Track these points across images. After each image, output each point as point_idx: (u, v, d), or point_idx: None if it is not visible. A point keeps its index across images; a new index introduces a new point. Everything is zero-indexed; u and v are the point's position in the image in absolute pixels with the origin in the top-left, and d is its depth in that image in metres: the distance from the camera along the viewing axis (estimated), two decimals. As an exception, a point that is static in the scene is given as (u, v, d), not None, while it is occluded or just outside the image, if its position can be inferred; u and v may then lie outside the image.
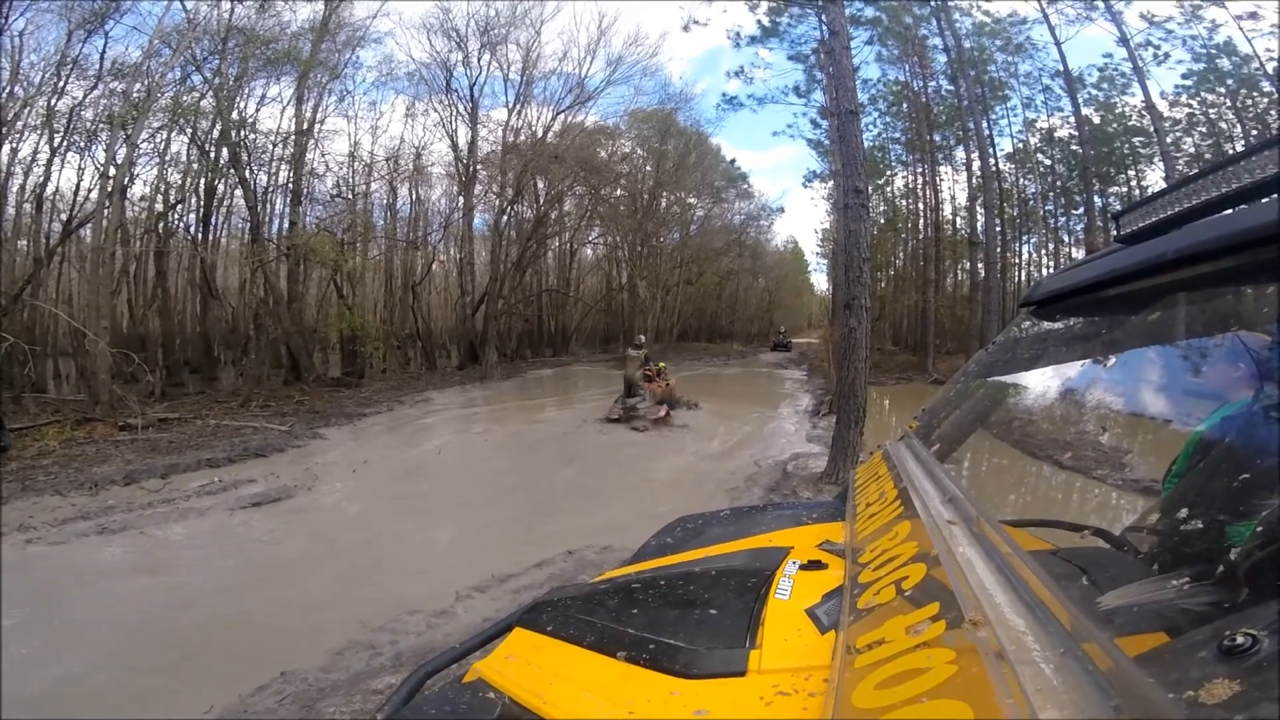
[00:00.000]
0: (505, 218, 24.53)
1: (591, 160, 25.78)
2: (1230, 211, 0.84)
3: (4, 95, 13.74)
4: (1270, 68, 18.38)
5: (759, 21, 23.36)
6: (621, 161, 28.96)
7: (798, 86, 24.86)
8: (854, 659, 0.71)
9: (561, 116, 25.29)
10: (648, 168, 30.67)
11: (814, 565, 1.11)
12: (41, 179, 15.58)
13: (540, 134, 24.66)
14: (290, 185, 18.50)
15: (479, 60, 23.12)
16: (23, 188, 15.53)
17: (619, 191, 29.59)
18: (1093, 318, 1.33)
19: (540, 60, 24.47)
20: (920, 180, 26.61)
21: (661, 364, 13.91)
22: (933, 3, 22.38)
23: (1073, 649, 0.51)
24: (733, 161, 37.11)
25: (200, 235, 18.43)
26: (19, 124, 14.41)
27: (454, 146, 23.67)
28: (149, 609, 4.37)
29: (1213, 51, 19.37)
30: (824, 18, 8.43)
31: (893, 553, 0.92)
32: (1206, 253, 0.83)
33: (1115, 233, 1.13)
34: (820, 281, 45.90)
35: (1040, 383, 1.53)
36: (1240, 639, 0.40)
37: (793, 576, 1.07)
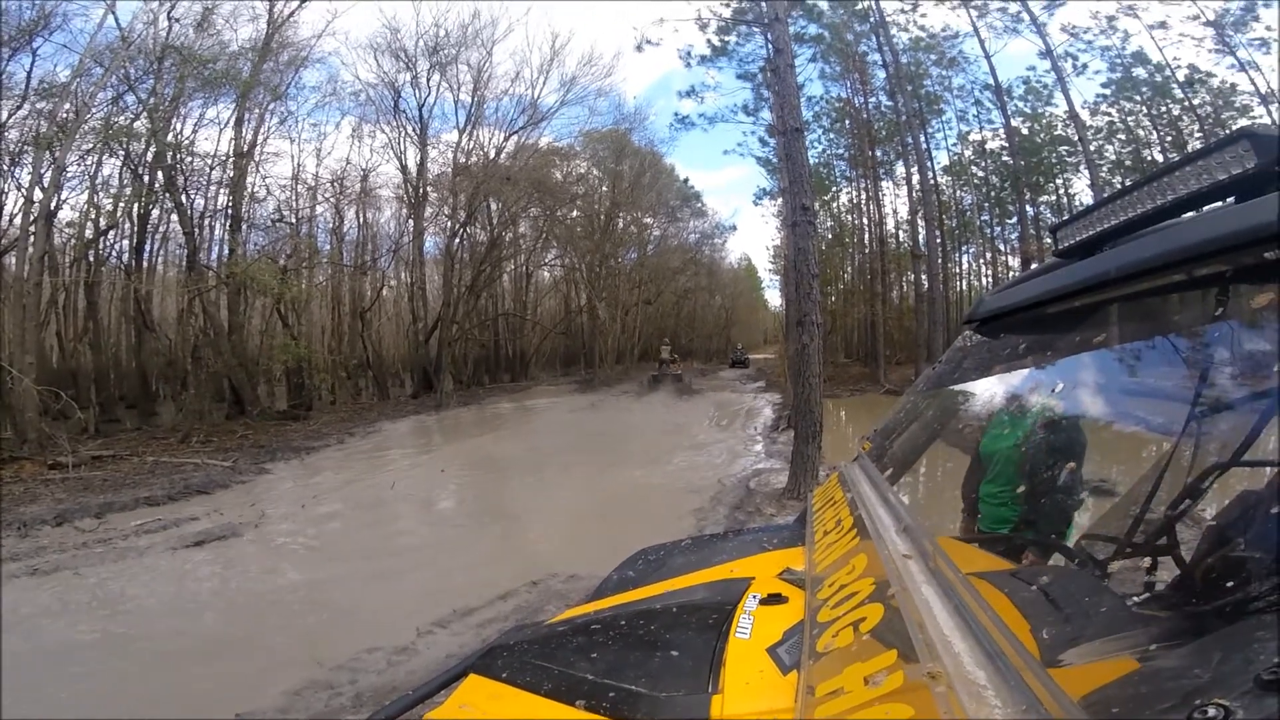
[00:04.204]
0: (458, 241, 24.24)
1: (546, 181, 25.74)
2: (1166, 225, 0.86)
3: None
4: (1180, 75, 19.76)
5: (709, 41, 23.94)
6: (577, 182, 29.04)
7: (746, 105, 25.48)
8: (814, 706, 0.69)
9: (514, 138, 25.29)
10: (604, 188, 30.83)
11: (774, 599, 1.09)
12: (-41, 204, 14.71)
13: (492, 155, 24.57)
14: (229, 210, 17.90)
15: (428, 81, 22.98)
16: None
17: (575, 213, 29.62)
18: (1035, 334, 1.36)
19: (492, 81, 24.47)
20: (864, 195, 27.51)
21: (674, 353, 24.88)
22: (872, 19, 23.35)
23: (1034, 704, 0.49)
24: (686, 181, 37.63)
25: (134, 263, 17.61)
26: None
27: (403, 169, 23.37)
28: (87, 652, 4.20)
29: (1127, 61, 20.72)
30: (769, 36, 8.67)
31: (851, 588, 0.91)
32: (1145, 270, 0.85)
33: (1053, 246, 1.16)
34: (774, 298, 46.75)
35: (987, 399, 1.56)
36: (1212, 711, 0.39)
37: (753, 613, 1.05)
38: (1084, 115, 21.39)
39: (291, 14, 17.97)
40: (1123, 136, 21.58)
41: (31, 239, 12.57)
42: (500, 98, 25.18)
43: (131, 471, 10.18)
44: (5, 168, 14.96)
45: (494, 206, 25.40)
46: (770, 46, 8.62)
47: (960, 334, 1.63)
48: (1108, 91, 21.25)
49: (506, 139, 25.09)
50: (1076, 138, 21.32)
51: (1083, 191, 21.73)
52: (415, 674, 3.72)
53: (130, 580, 5.57)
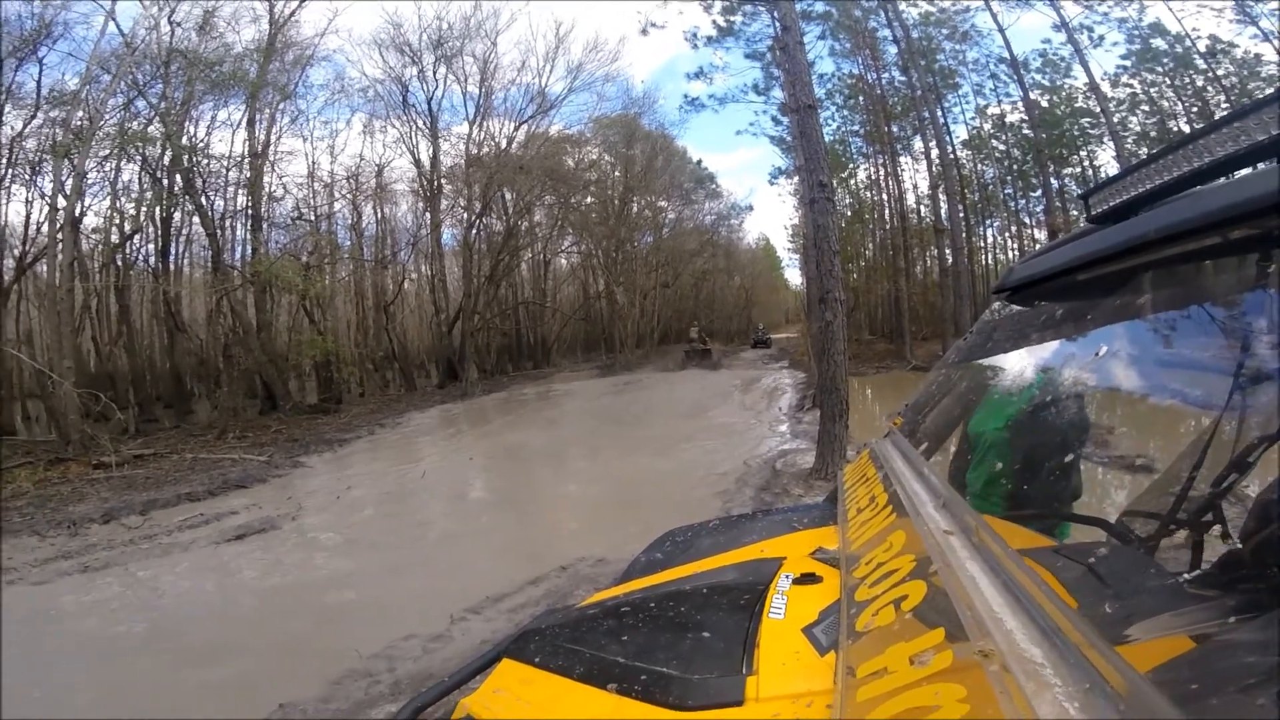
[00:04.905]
0: (474, 231, 24.34)
1: (558, 169, 25.68)
2: (1202, 188, 0.82)
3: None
4: (1201, 46, 19.03)
5: (714, 22, 23.55)
6: (589, 169, 28.92)
7: (756, 84, 25.05)
8: (856, 687, 0.67)
9: (524, 127, 25.24)
10: (616, 173, 30.67)
11: (808, 579, 1.07)
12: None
13: (504, 145, 24.56)
14: (249, 210, 18.15)
15: (435, 74, 22.98)
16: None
17: (589, 199, 29.54)
18: (1068, 301, 1.32)
19: (498, 71, 24.44)
20: (882, 171, 27.01)
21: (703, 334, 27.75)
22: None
23: (1099, 683, 0.47)
24: (699, 162, 37.28)
25: (160, 266, 18.00)
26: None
27: (416, 162, 23.47)
28: (138, 646, 4.31)
29: (1145, 33, 20.00)
30: (776, 14, 8.48)
31: (889, 566, 0.89)
32: (1183, 232, 0.82)
33: (1085, 213, 1.12)
34: (794, 276, 46.32)
35: (1019, 370, 1.52)
36: None
37: (786, 592, 1.04)
38: (1105, 87, 20.79)
39: (292, 14, 18.06)
40: (1146, 108, 20.87)
41: (60, 246, 12.86)
42: (508, 88, 25.29)
43: (172, 469, 10.44)
44: (28, 177, 15.35)
45: (508, 196, 25.43)
46: (778, 24, 8.43)
47: (990, 304, 1.59)
48: (1128, 63, 20.58)
49: (517, 128, 25.09)
50: (1098, 110, 20.68)
51: (1108, 163, 21.23)
52: (450, 660, 3.76)
53: (176, 575, 5.72)
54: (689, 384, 19.72)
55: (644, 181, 30.86)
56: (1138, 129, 21.04)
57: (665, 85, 71.96)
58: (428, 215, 23.96)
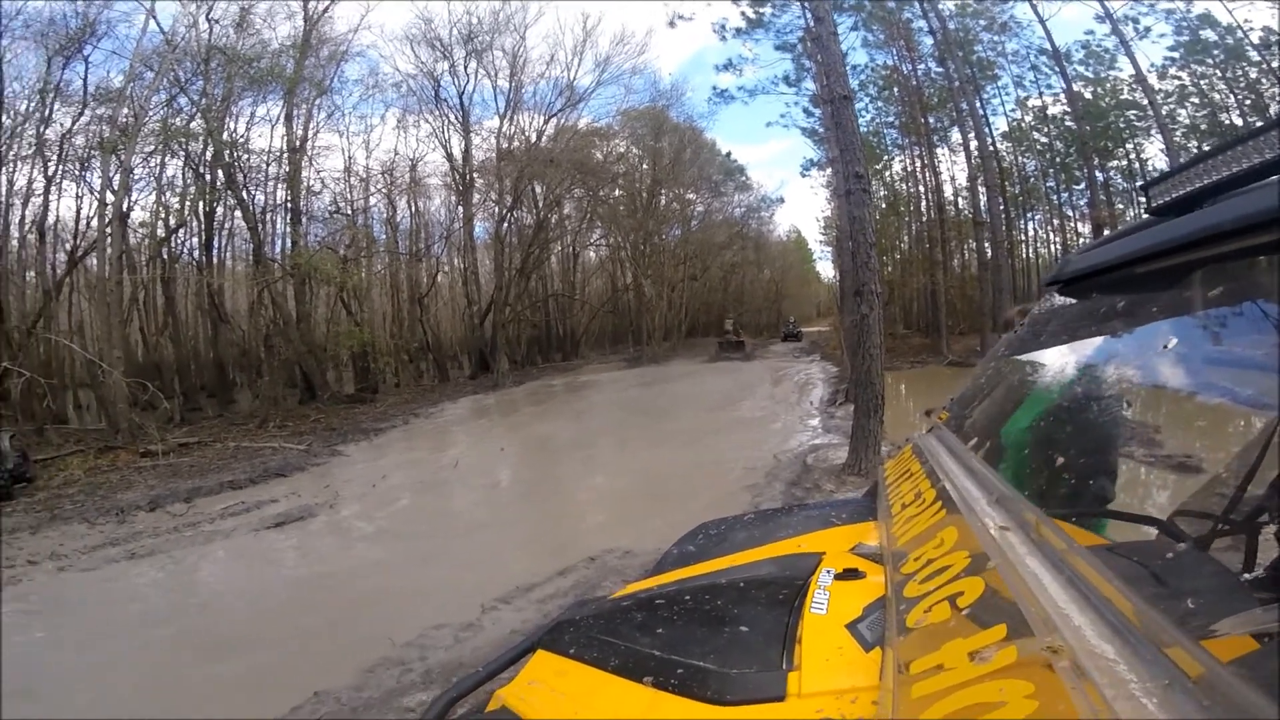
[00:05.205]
0: (505, 225, 24.56)
1: (587, 162, 25.73)
2: (1268, 181, 0.79)
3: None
4: (1254, 38, 18.14)
5: (743, 14, 23.21)
6: (617, 161, 28.91)
7: (787, 76, 24.61)
8: (909, 684, 0.66)
9: (554, 120, 25.34)
10: (644, 166, 30.58)
11: (851, 574, 1.06)
12: (41, 209, 15.71)
13: (534, 138, 24.69)
14: (288, 204, 18.59)
15: (466, 69, 23.20)
16: (22, 219, 15.66)
17: (617, 192, 29.54)
18: (1126, 295, 1.27)
19: (527, 65, 24.56)
20: (919, 163, 26.39)
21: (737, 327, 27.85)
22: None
23: (1179, 679, 0.45)
24: (728, 155, 36.93)
25: (204, 259, 18.58)
26: (10, 153, 14.51)
27: (449, 156, 23.75)
28: (178, 632, 4.43)
29: (1194, 24, 19.12)
30: (808, 5, 8.33)
31: (941, 562, 0.87)
32: (1247, 226, 0.78)
33: (1146, 204, 1.08)
34: (826, 269, 45.64)
35: (1064, 366, 1.47)
36: None
37: (828, 587, 1.02)
38: (1152, 79, 19.94)
39: (325, 10, 18.39)
40: (1196, 100, 19.96)
41: (109, 240, 13.32)
42: (537, 81, 25.40)
43: (215, 457, 10.76)
44: (77, 173, 15.94)
45: (538, 189, 25.58)
46: (810, 16, 8.27)
47: (1043, 295, 1.54)
48: (1176, 55, 19.69)
49: (546, 122, 25.22)
50: (1146, 102, 19.86)
51: (1155, 156, 20.45)
52: (481, 649, 3.79)
53: (217, 562, 5.90)
54: (718, 376, 19.64)
55: (672, 174, 30.73)
56: (1187, 122, 20.21)
57: (693, 77, 71.24)
58: (460, 209, 24.27)
